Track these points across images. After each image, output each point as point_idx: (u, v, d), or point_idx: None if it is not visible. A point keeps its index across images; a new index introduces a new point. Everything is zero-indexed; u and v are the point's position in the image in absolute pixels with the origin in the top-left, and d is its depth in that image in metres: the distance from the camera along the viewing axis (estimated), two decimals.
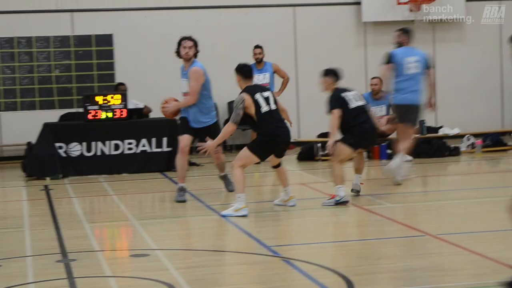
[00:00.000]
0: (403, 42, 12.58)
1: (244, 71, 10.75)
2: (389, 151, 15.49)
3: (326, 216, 10.86)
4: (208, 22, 17.76)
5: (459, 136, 17.58)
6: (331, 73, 10.95)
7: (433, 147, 16.22)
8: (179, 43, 11.65)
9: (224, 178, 12.42)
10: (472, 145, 16.76)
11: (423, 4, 18.39)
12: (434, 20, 18.79)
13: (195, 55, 11.62)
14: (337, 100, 10.44)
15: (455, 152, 16.18)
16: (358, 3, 18.75)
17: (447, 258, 7.93)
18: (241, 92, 10.56)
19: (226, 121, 12.80)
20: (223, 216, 10.50)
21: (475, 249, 7.82)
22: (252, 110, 10.23)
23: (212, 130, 11.67)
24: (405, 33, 12.81)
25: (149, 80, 17.46)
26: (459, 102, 19.01)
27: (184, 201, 11.67)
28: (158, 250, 8.86)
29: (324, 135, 16.41)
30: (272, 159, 10.84)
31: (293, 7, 18.59)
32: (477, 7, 19.19)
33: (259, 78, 15.90)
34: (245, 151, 10.59)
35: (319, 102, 16.55)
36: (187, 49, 11.48)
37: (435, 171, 14.68)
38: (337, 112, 10.40)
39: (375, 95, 15.85)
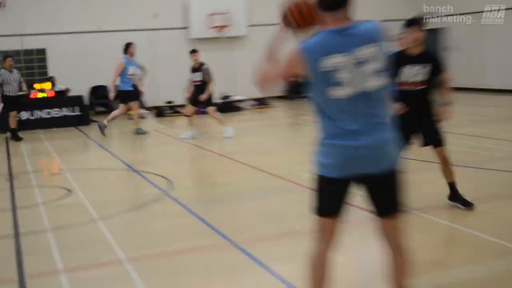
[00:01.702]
0: None
1: None
2: None
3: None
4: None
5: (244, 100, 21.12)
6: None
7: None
8: (128, 45, 14.78)
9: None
10: (252, 105, 20.66)
11: (223, 28, 21.40)
12: (230, 36, 21.88)
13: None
14: None
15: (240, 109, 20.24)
16: (187, 27, 21.63)
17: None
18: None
19: None
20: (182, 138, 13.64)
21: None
22: None
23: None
24: None
25: (68, 74, 20.00)
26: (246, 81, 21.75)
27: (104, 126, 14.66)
28: (67, 171, 10.82)
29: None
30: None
31: (148, 31, 21.08)
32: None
33: None
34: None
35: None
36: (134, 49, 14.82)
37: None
38: None
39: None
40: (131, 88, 15.08)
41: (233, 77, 21.78)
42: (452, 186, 6.96)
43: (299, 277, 4.27)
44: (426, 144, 6.92)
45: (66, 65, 20.41)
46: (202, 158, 11.86)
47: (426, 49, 6.78)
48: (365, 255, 5.79)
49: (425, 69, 6.63)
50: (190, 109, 14.15)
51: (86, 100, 19.95)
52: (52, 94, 18.34)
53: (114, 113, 15.37)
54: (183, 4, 21.81)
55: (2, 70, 15.18)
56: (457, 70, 18.29)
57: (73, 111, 18.49)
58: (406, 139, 6.63)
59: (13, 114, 15.50)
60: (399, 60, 6.66)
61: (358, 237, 6.07)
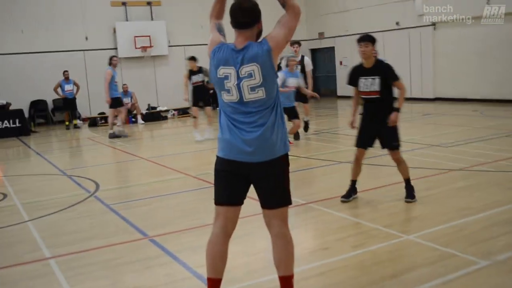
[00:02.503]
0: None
1: None
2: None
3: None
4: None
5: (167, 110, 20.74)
6: None
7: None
8: (111, 58, 14.80)
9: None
10: (173, 115, 20.61)
11: (146, 48, 21.17)
12: (153, 55, 21.56)
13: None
14: None
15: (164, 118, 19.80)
16: (115, 48, 21.02)
17: None
18: None
19: None
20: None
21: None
22: None
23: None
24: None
25: (9, 90, 19.31)
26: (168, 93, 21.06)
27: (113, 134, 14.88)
28: (5, 177, 10.43)
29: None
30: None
31: (81, 51, 20.65)
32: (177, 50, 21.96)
33: None
34: None
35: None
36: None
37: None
38: None
39: (125, 92, 19.09)
40: (119, 95, 15.25)
41: (157, 90, 21.92)
42: (407, 181, 6.82)
43: (204, 267, 4.04)
44: (383, 146, 6.76)
45: (8, 83, 19.77)
46: (128, 163, 11.36)
47: (377, 63, 6.62)
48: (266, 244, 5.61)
49: (375, 81, 6.50)
50: (195, 109, 13.57)
51: (26, 113, 19.52)
52: None
53: (110, 120, 15.55)
54: (111, 27, 21.43)
55: None
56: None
57: (14, 123, 17.86)
58: (368, 141, 6.74)
59: None
60: (357, 72, 6.66)
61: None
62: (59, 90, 19.02)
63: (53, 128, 19.76)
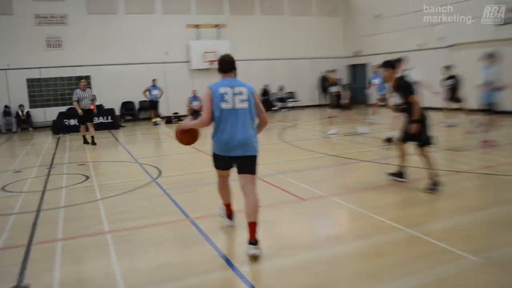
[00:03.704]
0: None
1: None
2: None
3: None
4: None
5: None
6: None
7: None
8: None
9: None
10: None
11: (213, 62, 20.37)
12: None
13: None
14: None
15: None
16: (188, 61, 21.05)
17: None
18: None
19: None
20: None
21: None
22: None
23: None
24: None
25: (106, 92, 19.64)
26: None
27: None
28: (91, 163, 11.39)
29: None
30: None
31: (162, 64, 20.60)
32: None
33: None
34: None
35: None
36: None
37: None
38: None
39: (194, 96, 18.74)
40: None
41: None
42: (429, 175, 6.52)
43: (229, 247, 4.67)
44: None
45: (105, 87, 20.12)
46: (189, 154, 10.75)
47: (396, 82, 6.56)
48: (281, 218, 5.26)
49: (398, 95, 6.59)
50: (331, 112, 13.30)
51: (118, 112, 19.78)
52: (92, 107, 17.53)
53: None
54: (186, 45, 21.41)
55: (77, 90, 13.32)
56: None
57: (107, 119, 17.99)
58: (407, 138, 6.65)
59: (83, 126, 13.63)
60: (392, 88, 6.68)
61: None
62: (147, 93, 18.94)
63: (138, 124, 19.77)
